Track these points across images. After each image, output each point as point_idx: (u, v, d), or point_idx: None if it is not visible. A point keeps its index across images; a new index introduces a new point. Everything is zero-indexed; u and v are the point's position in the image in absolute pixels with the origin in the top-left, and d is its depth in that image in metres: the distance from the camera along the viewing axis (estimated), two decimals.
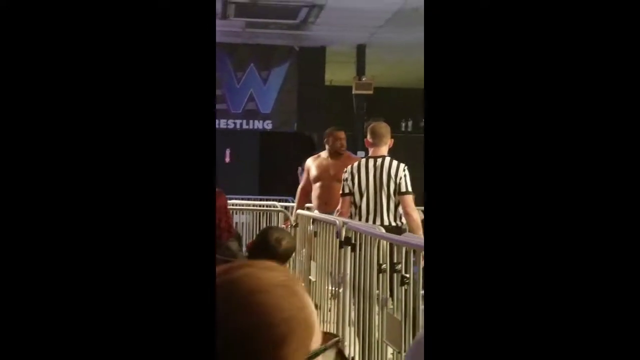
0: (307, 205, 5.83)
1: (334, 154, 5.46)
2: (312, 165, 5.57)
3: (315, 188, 5.48)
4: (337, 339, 0.98)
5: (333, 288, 4.19)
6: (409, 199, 4.26)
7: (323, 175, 5.42)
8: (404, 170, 4.28)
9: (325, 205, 5.21)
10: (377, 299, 3.28)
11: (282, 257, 3.04)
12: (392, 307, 3.05)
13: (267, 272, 0.89)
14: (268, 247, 3.04)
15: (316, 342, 0.90)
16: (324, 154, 5.61)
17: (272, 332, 0.84)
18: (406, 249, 2.94)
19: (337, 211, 4.52)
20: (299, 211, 5.61)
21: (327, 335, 0.94)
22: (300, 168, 9.99)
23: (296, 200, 5.93)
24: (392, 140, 4.49)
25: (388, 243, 3.18)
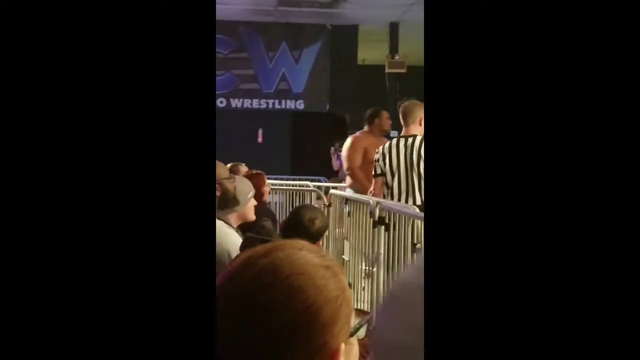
0: (340, 185, 5.71)
1: (382, 133, 5.41)
2: (367, 146, 5.29)
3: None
4: (370, 315, 1.01)
5: (367, 267, 4.20)
6: None
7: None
8: None
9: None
10: None
11: (315, 235, 3.04)
12: None
13: (306, 253, 0.89)
14: (301, 226, 3.05)
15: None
16: (365, 133, 5.48)
17: (320, 314, 0.85)
18: None
19: (370, 192, 4.50)
20: (333, 191, 5.58)
21: (357, 312, 0.96)
22: (333, 148, 9.95)
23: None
24: None
25: (422, 222, 3.18)
